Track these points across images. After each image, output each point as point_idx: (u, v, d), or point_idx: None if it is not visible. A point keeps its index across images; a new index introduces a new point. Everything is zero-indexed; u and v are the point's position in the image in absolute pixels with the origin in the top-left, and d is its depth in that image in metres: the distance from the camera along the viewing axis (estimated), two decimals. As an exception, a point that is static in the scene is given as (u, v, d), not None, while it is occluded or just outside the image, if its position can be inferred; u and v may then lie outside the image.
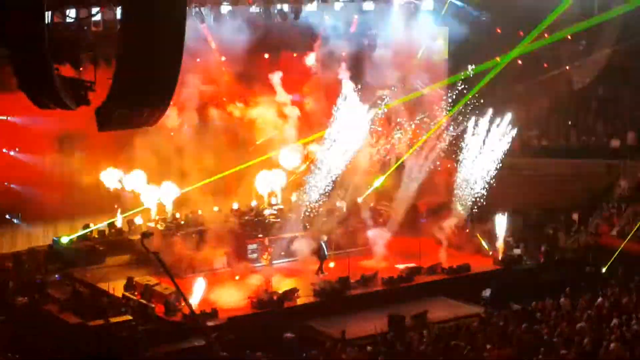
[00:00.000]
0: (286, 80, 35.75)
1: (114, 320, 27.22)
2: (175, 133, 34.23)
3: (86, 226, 34.24)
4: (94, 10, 18.31)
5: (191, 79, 32.57)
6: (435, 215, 36.22)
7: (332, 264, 33.80)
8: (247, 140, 36.18)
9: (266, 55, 36.17)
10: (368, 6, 35.69)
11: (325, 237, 33.95)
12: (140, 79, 15.55)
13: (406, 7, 35.96)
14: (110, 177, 34.36)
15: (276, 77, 35.30)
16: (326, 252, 33.60)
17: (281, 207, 36.20)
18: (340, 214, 36.24)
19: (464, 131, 35.88)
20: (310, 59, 36.28)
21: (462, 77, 36.29)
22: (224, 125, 35.41)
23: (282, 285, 31.69)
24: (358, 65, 36.07)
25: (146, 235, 32.40)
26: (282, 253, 34.58)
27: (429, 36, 37.01)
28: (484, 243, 35.36)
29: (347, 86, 34.85)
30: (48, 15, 16.78)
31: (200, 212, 35.13)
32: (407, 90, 36.50)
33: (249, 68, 35.27)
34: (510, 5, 35.83)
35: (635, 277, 29.76)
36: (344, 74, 35.51)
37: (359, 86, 34.93)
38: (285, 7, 33.39)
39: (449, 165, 36.51)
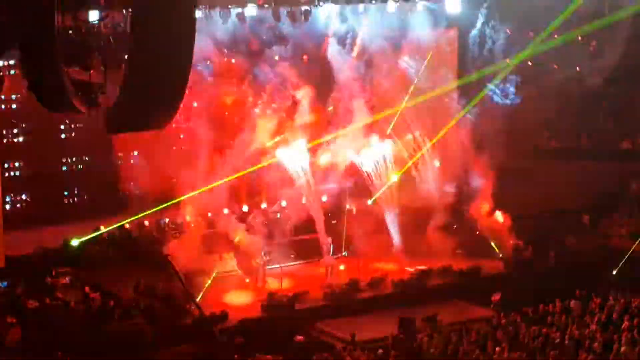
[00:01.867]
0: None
1: (123, 323, 27.25)
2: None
3: (96, 228, 34.19)
4: (105, 12, 18.30)
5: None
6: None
7: (342, 267, 33.83)
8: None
9: (276, 57, 35.83)
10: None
11: (329, 239, 33.98)
12: (150, 82, 15.49)
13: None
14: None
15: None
16: (331, 254, 33.65)
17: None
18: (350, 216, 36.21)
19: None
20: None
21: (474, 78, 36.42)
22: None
23: (292, 287, 31.69)
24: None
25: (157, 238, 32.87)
26: (292, 255, 34.55)
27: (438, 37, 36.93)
28: (494, 246, 35.35)
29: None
30: (58, 17, 16.73)
31: (209, 214, 34.98)
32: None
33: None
34: (520, 6, 35.62)
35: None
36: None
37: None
38: (295, 9, 33.29)
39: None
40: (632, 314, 25.28)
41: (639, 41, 37.23)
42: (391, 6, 35.19)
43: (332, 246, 34.11)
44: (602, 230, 36.44)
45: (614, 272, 32.39)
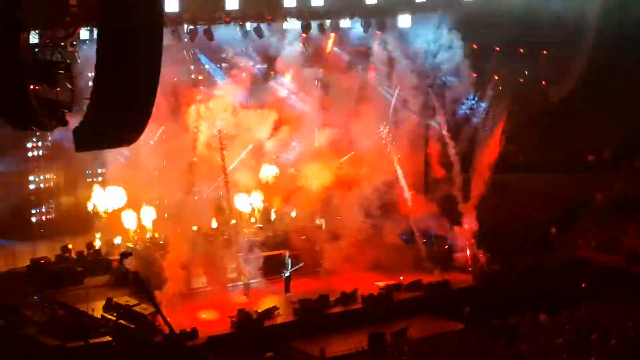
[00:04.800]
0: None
1: (93, 341, 27.10)
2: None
3: (65, 247, 34.03)
4: (72, 30, 18.28)
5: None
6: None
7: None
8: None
9: (244, 75, 35.68)
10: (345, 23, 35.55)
11: (287, 254, 33.97)
12: (118, 100, 15.51)
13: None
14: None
15: None
16: (289, 270, 33.62)
17: (260, 225, 35.96)
18: (320, 231, 36.29)
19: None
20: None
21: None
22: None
23: (262, 303, 31.65)
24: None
25: (125, 255, 32.54)
26: (261, 271, 34.52)
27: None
28: (463, 259, 35.58)
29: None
30: (25, 35, 16.72)
31: (179, 230, 34.80)
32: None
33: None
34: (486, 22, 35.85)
35: (613, 290, 29.92)
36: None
37: None
38: (262, 25, 33.29)
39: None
40: (601, 325, 25.45)
41: (603, 56, 37.61)
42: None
43: (289, 260, 34.04)
44: (569, 242, 36.66)
45: (583, 284, 32.59)
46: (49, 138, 33.91)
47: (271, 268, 34.30)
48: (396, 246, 35.64)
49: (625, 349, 23.17)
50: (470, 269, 35.33)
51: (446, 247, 36.39)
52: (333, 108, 36.01)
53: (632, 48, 37.97)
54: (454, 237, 36.32)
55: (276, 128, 35.12)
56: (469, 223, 36.19)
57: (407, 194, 36.43)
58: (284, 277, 33.64)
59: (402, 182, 36.43)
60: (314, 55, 35.85)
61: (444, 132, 36.95)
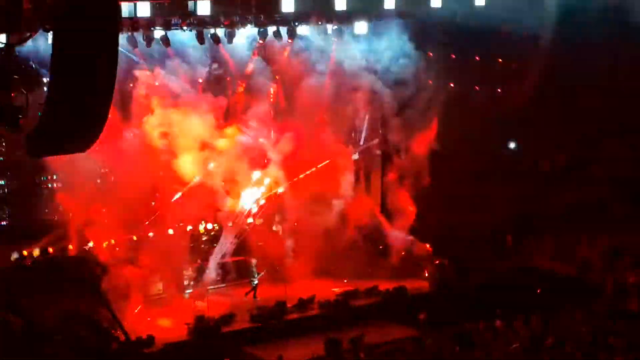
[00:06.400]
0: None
1: (47, 349, 26.88)
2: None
3: (19, 252, 33.68)
4: (26, 35, 18.13)
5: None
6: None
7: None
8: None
9: (200, 80, 35.49)
10: (302, 30, 35.51)
11: (254, 261, 33.98)
12: (73, 106, 15.40)
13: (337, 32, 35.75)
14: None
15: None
16: (256, 277, 33.66)
17: (217, 231, 35.81)
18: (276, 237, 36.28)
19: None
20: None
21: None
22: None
23: (219, 310, 31.57)
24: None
25: (81, 262, 32.53)
26: (218, 278, 34.50)
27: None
28: (420, 266, 35.72)
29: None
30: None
31: (135, 238, 34.60)
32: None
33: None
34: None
35: (567, 297, 30.18)
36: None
37: None
38: (219, 31, 33.28)
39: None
40: (555, 332, 25.68)
41: (558, 64, 37.88)
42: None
43: (255, 268, 34.14)
44: (524, 250, 36.91)
45: (538, 291, 32.82)
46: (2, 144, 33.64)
47: (231, 274, 34.52)
48: (351, 252, 35.71)
49: (580, 355, 23.40)
50: (427, 275, 35.47)
51: (403, 253, 36.47)
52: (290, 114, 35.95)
53: (587, 56, 38.30)
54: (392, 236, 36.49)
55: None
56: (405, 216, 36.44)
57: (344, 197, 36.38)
58: (253, 285, 33.69)
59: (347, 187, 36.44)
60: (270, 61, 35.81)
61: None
